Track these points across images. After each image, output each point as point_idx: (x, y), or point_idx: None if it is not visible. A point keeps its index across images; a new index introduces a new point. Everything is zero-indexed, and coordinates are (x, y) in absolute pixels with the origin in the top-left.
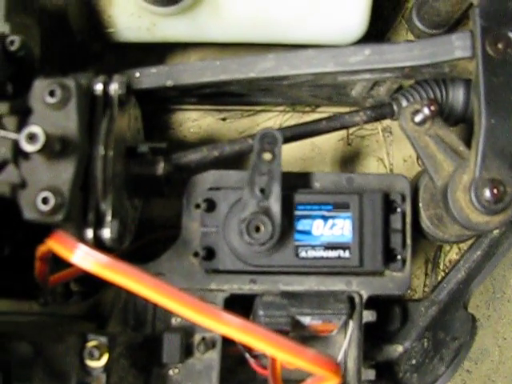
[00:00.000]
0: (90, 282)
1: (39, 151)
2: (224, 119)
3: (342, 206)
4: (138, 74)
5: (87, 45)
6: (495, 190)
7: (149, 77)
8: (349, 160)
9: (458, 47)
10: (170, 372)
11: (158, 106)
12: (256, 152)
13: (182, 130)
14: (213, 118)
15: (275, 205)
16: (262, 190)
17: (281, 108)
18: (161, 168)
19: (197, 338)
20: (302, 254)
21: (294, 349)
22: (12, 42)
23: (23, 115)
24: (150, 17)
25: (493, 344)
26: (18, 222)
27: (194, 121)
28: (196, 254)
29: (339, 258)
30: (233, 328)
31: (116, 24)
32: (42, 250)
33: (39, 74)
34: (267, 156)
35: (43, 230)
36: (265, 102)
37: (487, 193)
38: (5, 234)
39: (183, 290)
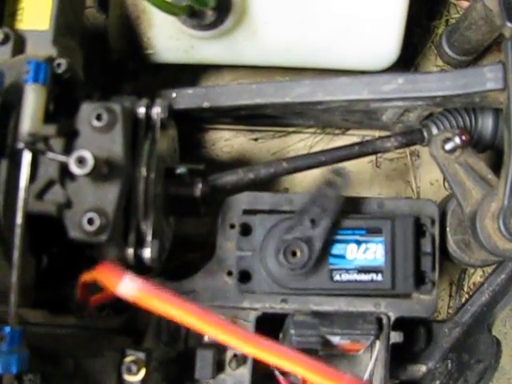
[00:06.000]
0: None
1: (87, 174)
2: (256, 139)
3: (374, 231)
4: (174, 95)
5: (123, 64)
6: None
7: (185, 98)
8: (377, 182)
9: (490, 79)
10: None
11: (191, 125)
12: (321, 184)
13: (214, 149)
14: (245, 138)
15: (319, 238)
16: (313, 221)
17: (312, 130)
18: (199, 189)
19: (228, 354)
20: (337, 277)
21: (332, 374)
22: (59, 65)
23: (69, 137)
24: (189, 39)
25: (509, 362)
26: (56, 237)
27: (226, 140)
28: (230, 273)
29: (372, 281)
30: (273, 355)
31: (155, 45)
32: (85, 278)
33: (81, 95)
34: (329, 192)
35: (77, 245)
36: (296, 124)
37: None
38: (44, 248)
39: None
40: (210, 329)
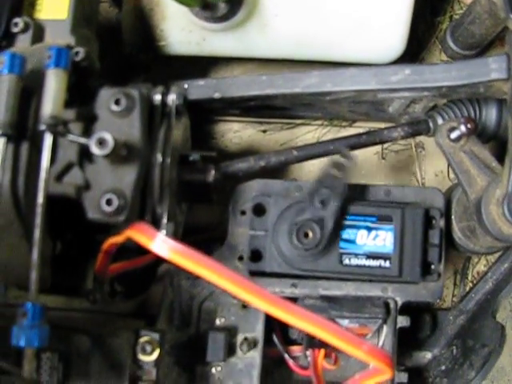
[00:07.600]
0: (134, 283)
1: (107, 155)
2: (264, 131)
3: (385, 219)
4: (186, 86)
5: (135, 56)
6: None
7: (197, 88)
8: (383, 173)
9: (494, 69)
10: (213, 370)
11: (202, 116)
12: (327, 165)
13: (223, 141)
14: (254, 130)
15: (330, 218)
16: (322, 202)
17: (319, 122)
18: (211, 176)
19: (239, 337)
20: (346, 261)
21: (355, 340)
22: (77, 53)
23: (88, 122)
24: (201, 32)
25: (509, 363)
26: (70, 222)
27: (235, 132)
28: (241, 258)
29: (380, 267)
30: (299, 317)
31: (167, 38)
32: (109, 242)
33: (94, 85)
34: (335, 172)
35: (91, 230)
36: (304, 115)
37: None
38: (59, 233)
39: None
40: (238, 289)
